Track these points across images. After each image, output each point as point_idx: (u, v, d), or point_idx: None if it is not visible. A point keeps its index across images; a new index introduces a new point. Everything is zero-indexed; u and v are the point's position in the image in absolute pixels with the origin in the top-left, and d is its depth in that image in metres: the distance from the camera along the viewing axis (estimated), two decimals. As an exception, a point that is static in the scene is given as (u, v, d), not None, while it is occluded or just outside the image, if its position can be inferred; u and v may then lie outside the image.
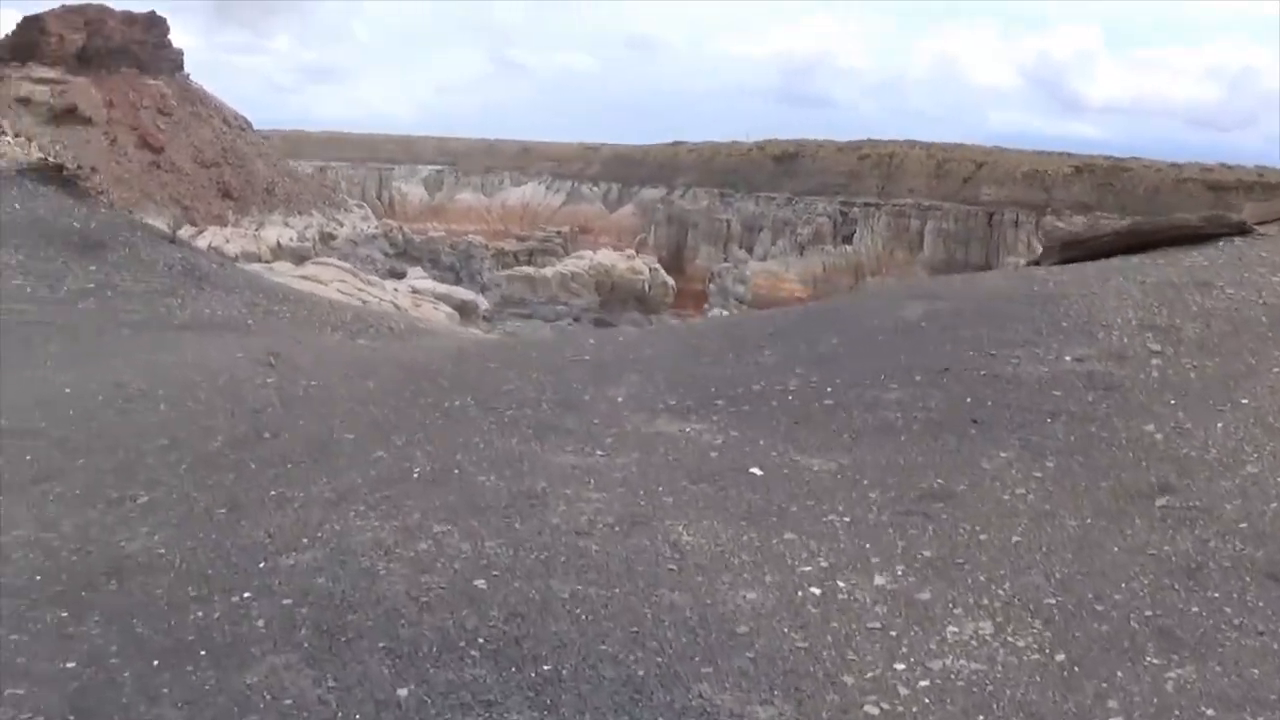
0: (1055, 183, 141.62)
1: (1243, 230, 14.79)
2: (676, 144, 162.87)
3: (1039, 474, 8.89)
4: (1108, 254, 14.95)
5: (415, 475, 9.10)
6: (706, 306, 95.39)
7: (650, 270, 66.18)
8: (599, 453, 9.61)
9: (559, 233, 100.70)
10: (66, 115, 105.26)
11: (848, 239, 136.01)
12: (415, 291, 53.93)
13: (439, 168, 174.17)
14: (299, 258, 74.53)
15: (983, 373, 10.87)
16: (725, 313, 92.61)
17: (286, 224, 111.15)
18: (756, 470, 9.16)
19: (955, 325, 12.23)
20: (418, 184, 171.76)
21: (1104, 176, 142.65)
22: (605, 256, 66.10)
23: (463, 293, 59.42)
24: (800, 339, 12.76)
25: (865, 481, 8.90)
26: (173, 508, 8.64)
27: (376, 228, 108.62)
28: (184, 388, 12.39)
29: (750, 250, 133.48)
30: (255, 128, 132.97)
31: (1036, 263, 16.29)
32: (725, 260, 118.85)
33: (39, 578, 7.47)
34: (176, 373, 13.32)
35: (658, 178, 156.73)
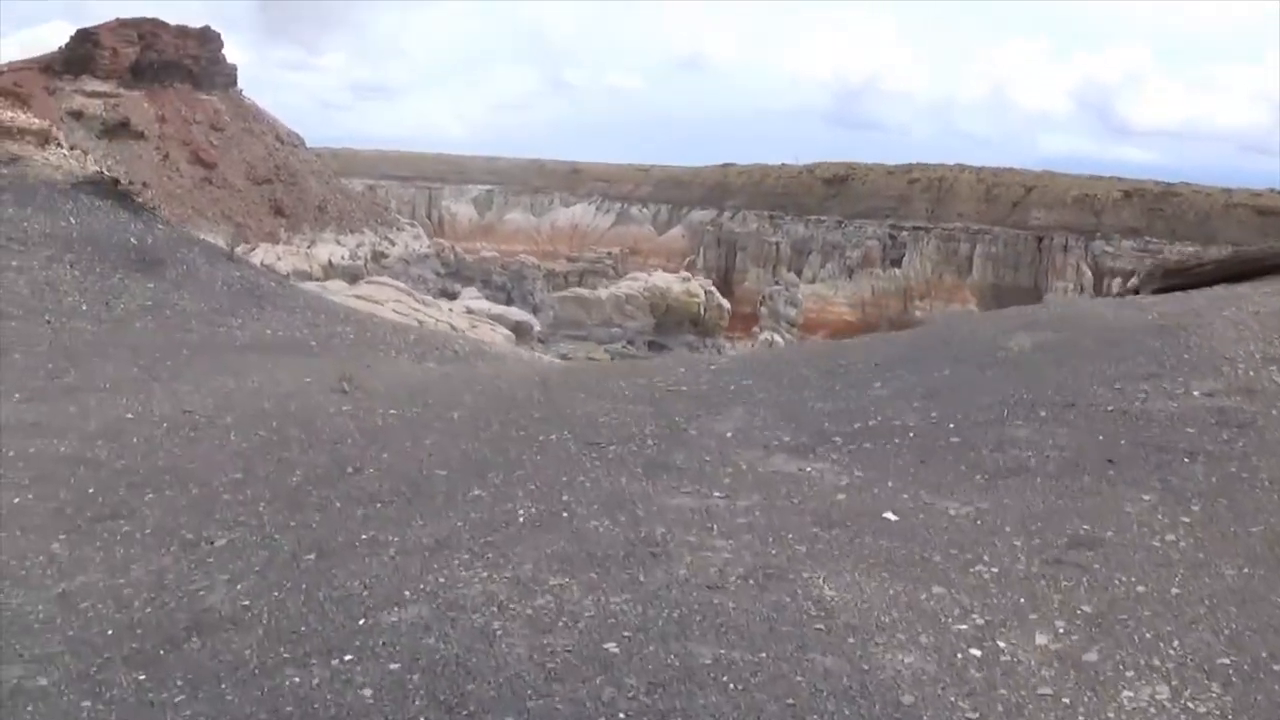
0: (1105, 207, 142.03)
1: (1342, 259, 14.69)
2: (726, 166, 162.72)
3: (1186, 519, 8.21)
4: (1210, 282, 14.52)
5: (520, 519, 8.37)
6: (757, 330, 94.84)
7: (706, 293, 65.22)
8: (717, 494, 8.86)
9: (609, 254, 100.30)
10: (119, 129, 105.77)
11: (896, 262, 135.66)
12: (470, 312, 53.30)
13: (488, 187, 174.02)
14: (351, 276, 74.21)
15: (1110, 408, 10.22)
16: (778, 337, 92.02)
17: (338, 242, 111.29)
18: (890, 515, 8.43)
19: (1071, 357, 11.59)
20: (467, 203, 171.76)
21: (1153, 201, 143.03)
22: (660, 279, 65.23)
23: (517, 313, 58.87)
24: (908, 369, 12.10)
25: (1007, 528, 8.17)
26: (254, 552, 7.95)
27: (428, 247, 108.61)
28: (254, 415, 11.77)
29: (799, 273, 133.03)
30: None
31: (1136, 291, 15.62)
32: (775, 283, 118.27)
33: (111, 632, 6.80)
34: (244, 399, 12.72)
35: (707, 200, 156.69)
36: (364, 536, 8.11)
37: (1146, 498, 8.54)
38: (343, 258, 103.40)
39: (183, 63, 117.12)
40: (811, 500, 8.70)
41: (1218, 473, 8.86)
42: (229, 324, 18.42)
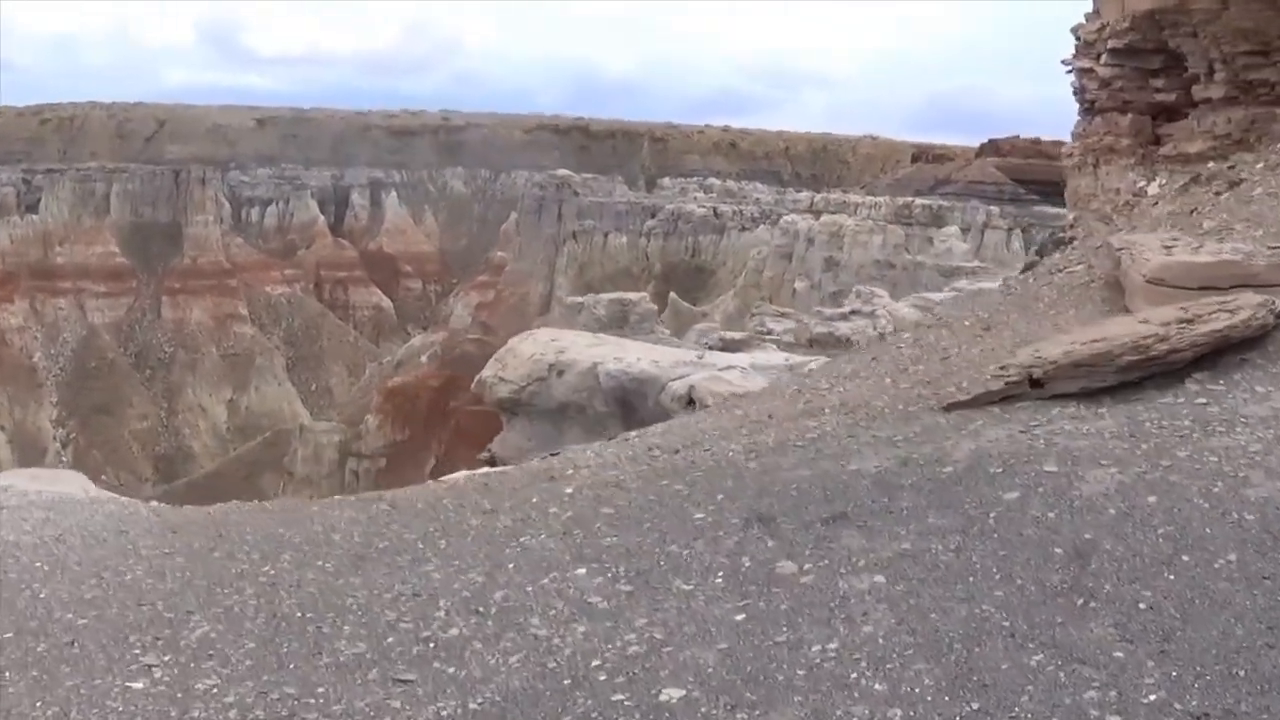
0: (240, 136, 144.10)
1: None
2: None
3: None
4: (1179, 370, 10.58)
5: None
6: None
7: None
8: None
9: None
10: None
11: (32, 208, 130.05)
12: None
13: None
14: None
15: None
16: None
17: None
18: None
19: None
20: None
21: (288, 127, 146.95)
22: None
23: None
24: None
25: None
26: None
27: None
28: None
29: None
30: None
31: (1037, 382, 10.74)
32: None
33: None
34: None
35: None
36: None
37: None
38: None
39: None
40: None
41: None
42: None
